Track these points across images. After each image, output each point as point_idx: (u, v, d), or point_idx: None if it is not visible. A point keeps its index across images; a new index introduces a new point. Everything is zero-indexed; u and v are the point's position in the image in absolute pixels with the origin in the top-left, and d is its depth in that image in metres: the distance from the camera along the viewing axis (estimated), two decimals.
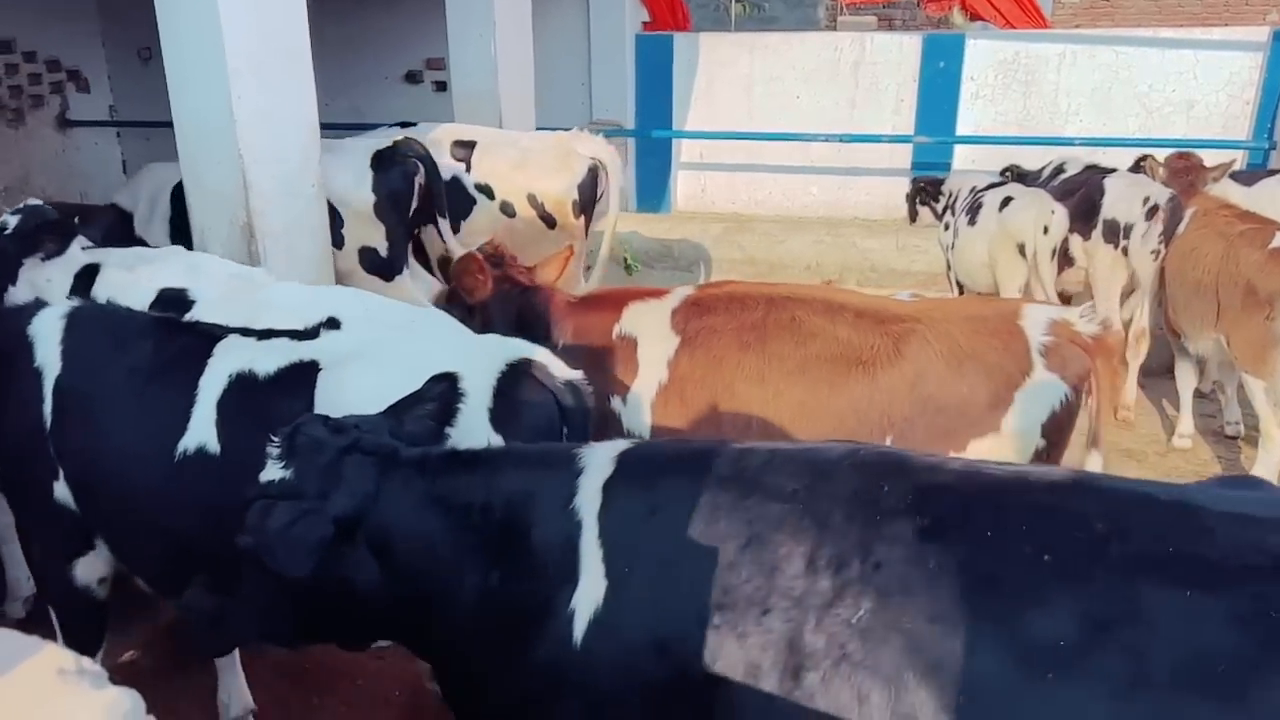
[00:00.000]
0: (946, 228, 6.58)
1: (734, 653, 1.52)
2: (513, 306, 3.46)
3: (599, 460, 1.77)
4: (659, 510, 1.68)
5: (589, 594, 1.64)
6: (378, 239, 5.07)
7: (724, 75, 8.64)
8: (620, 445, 1.83)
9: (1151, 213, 5.32)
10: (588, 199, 5.58)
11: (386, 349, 2.44)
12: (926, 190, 6.90)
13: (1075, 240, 5.74)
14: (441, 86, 8.73)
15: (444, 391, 2.05)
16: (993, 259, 5.94)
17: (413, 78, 9.08)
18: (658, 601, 1.61)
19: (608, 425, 3.16)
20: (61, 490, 2.52)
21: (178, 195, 4.60)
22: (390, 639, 2.00)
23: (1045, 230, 5.61)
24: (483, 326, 3.37)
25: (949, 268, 6.68)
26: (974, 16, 9.12)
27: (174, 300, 3.05)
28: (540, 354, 2.41)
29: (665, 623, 1.59)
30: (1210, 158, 5.89)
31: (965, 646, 1.39)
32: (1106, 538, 1.43)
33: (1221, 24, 11.76)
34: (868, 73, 8.24)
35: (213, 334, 2.55)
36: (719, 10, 12.59)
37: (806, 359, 3.01)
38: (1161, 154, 5.94)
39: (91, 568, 2.63)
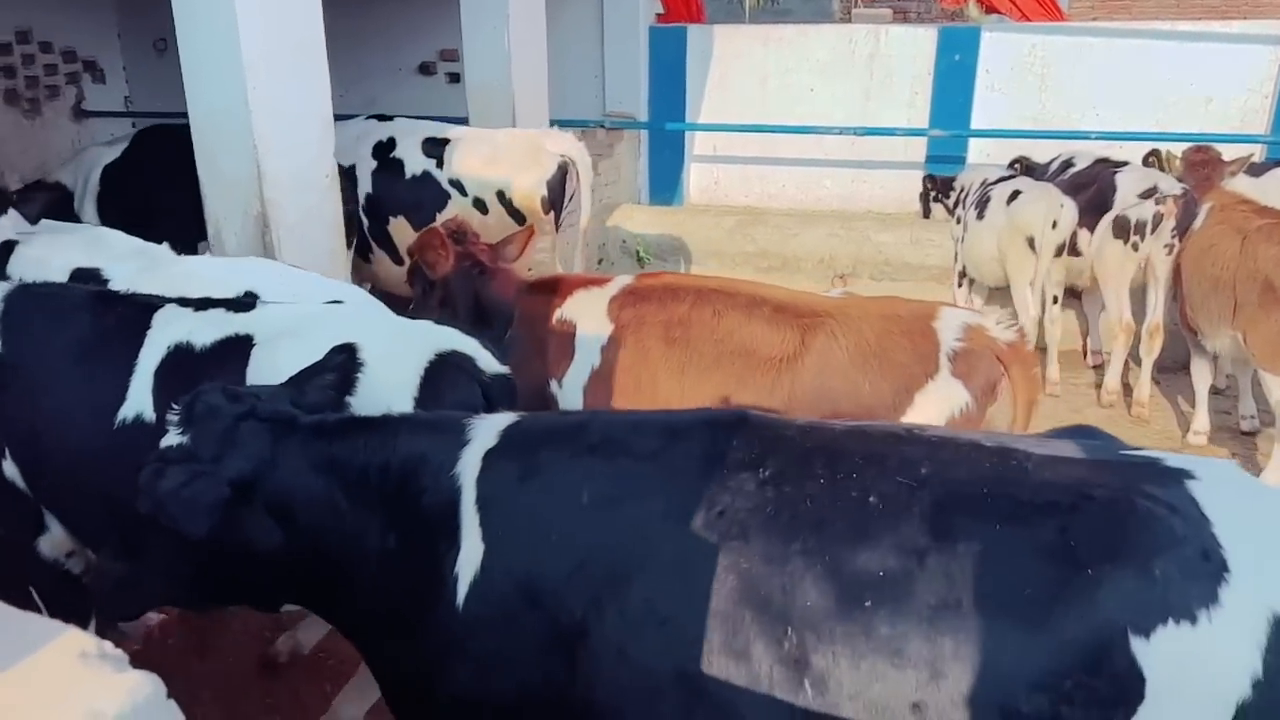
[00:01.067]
0: (958, 221, 6.57)
1: (598, 603, 1.63)
2: (471, 285, 3.51)
3: (485, 431, 1.86)
4: (533, 476, 1.78)
5: (470, 557, 1.74)
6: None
7: (738, 68, 8.61)
8: (508, 418, 1.92)
9: (1158, 200, 5.28)
10: (557, 195, 5.67)
11: (320, 329, 2.44)
12: (938, 187, 6.90)
13: (1082, 234, 5.72)
14: (455, 78, 8.73)
15: (343, 362, 2.13)
16: (1002, 253, 5.93)
17: (426, 69, 9.08)
18: (530, 561, 1.71)
19: (549, 407, 3.26)
20: (10, 469, 2.52)
21: (107, 174, 5.19)
22: (297, 602, 2.05)
23: (1054, 225, 5.60)
24: (441, 303, 3.42)
25: (955, 260, 6.68)
26: (990, 9, 9.07)
27: (87, 279, 3.05)
28: (469, 345, 2.46)
29: (537, 581, 1.69)
30: (1229, 152, 5.85)
31: (794, 582, 1.52)
32: (928, 480, 1.57)
33: (1240, 17, 11.65)
34: (882, 66, 8.20)
35: (151, 304, 2.58)
36: (733, 3, 12.55)
37: (721, 353, 3.09)
38: (1178, 148, 5.91)
39: (54, 544, 2.64)
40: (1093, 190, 5.75)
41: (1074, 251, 5.80)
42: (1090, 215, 5.68)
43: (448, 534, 1.77)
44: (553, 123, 6.75)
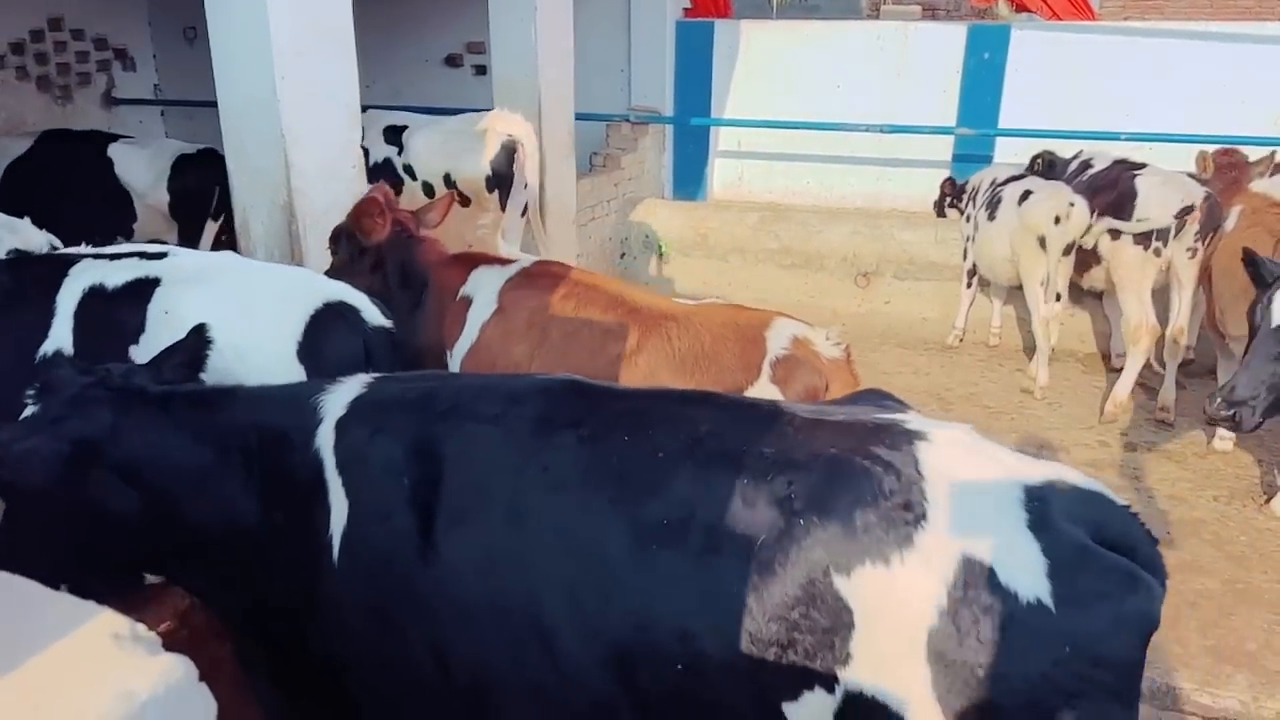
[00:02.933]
0: (968, 220, 6.58)
1: (446, 550, 1.83)
2: (399, 253, 3.60)
3: (332, 404, 2.02)
4: (385, 440, 1.94)
5: (339, 518, 1.90)
6: (170, 236, 5.86)
7: (764, 63, 8.57)
8: (359, 385, 2.07)
9: (1185, 212, 5.23)
10: (503, 176, 5.86)
11: (221, 275, 2.70)
12: (953, 193, 6.89)
13: (1104, 239, 5.65)
14: (481, 71, 8.74)
15: (193, 342, 2.28)
16: (1015, 253, 5.93)
17: (453, 61, 9.10)
18: (386, 520, 1.88)
19: None
20: None
21: (10, 169, 5.78)
22: (161, 573, 2.16)
23: (1057, 221, 5.57)
24: (371, 269, 3.51)
25: (965, 258, 6.68)
26: (1020, 8, 8.97)
27: None
28: (357, 298, 2.59)
29: (394, 537, 1.87)
30: (1259, 155, 5.78)
31: (598, 529, 1.76)
32: (704, 439, 1.80)
33: (1275, 18, 11.50)
34: (910, 63, 8.15)
35: (68, 258, 2.82)
36: None
37: (569, 345, 3.27)
38: (1209, 149, 5.84)
39: None
40: (1114, 195, 5.68)
41: (1094, 256, 5.74)
42: (1110, 218, 5.61)
43: (317, 497, 1.92)
44: (578, 116, 6.74)
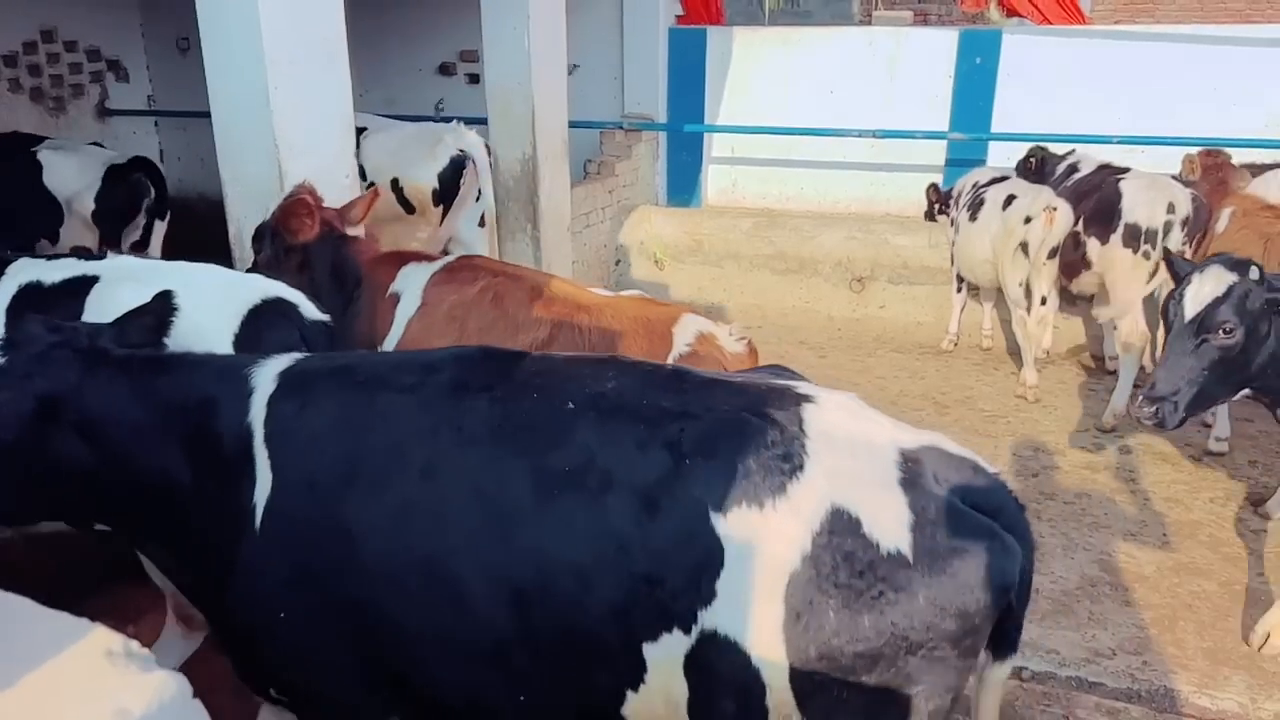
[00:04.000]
0: (951, 223, 6.62)
1: (365, 512, 1.93)
2: (330, 252, 3.63)
3: (265, 376, 2.11)
4: (309, 412, 2.05)
5: (263, 487, 2.00)
6: (91, 242, 5.96)
7: (757, 69, 8.59)
8: (285, 362, 2.16)
9: (1184, 224, 5.27)
10: (448, 189, 5.98)
11: (158, 274, 2.74)
12: (940, 199, 6.94)
13: (1092, 244, 5.66)
14: (474, 79, 8.76)
15: (159, 306, 2.35)
16: (997, 256, 5.95)
17: (446, 70, 9.11)
18: (309, 484, 1.98)
19: None
20: None
21: None
22: (107, 524, 2.23)
23: (1027, 220, 5.62)
24: (298, 268, 3.54)
25: (952, 263, 6.71)
26: (1011, 12, 8.99)
27: None
28: (294, 295, 2.66)
29: (315, 500, 1.97)
30: (1254, 157, 5.80)
31: (504, 479, 1.87)
32: (608, 393, 1.92)
33: (1265, 21, 11.56)
34: (902, 68, 8.17)
35: (5, 259, 2.94)
36: (753, 4, 12.52)
37: (485, 339, 3.31)
38: (1194, 151, 5.86)
39: None
40: (1096, 198, 5.70)
41: (1083, 261, 5.76)
42: (1097, 224, 5.63)
43: (245, 471, 2.02)
44: (572, 124, 6.75)
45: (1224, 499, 4.73)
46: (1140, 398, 3.45)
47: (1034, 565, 1.87)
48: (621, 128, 8.41)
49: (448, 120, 6.45)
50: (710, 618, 1.73)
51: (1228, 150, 5.82)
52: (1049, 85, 7.74)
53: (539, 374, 2.03)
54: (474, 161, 5.94)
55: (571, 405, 1.91)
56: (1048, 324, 6.11)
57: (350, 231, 3.71)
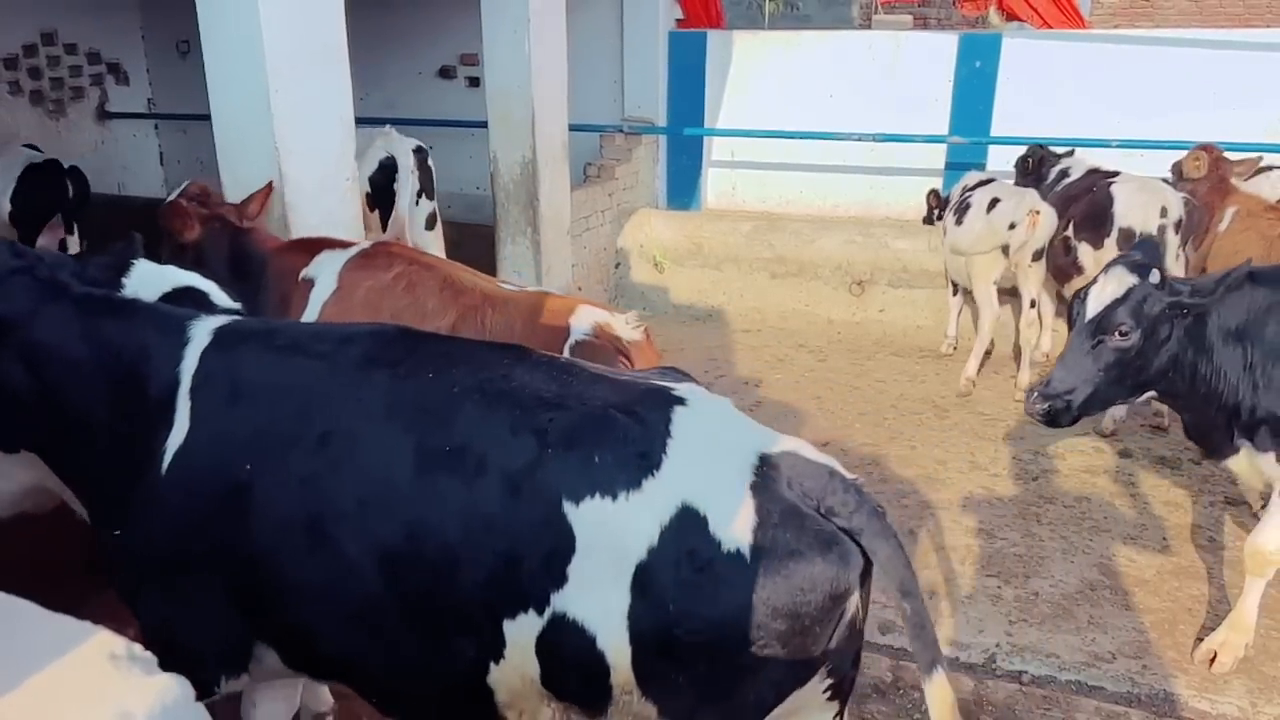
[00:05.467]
0: (943, 228, 6.68)
1: (261, 471, 2.02)
2: (224, 244, 3.73)
3: (202, 330, 2.21)
4: (231, 369, 2.14)
5: (177, 436, 2.09)
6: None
7: (757, 73, 8.60)
8: (220, 321, 2.25)
9: (1177, 227, 5.28)
10: (381, 193, 6.07)
11: None
12: (936, 205, 6.97)
13: (1084, 249, 5.67)
14: (475, 82, 8.76)
15: (123, 248, 2.48)
16: (977, 258, 6.02)
17: (446, 73, 9.12)
18: (219, 436, 2.07)
19: None
20: None
21: None
22: (34, 449, 2.29)
23: (1011, 226, 5.67)
24: (194, 264, 3.58)
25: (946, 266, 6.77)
26: (1011, 16, 9.01)
27: None
28: (205, 284, 2.72)
29: (220, 452, 2.06)
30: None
31: (390, 453, 1.96)
32: (495, 379, 2.01)
33: (1264, 25, 11.57)
34: (902, 72, 8.17)
35: None
36: (753, 8, 12.54)
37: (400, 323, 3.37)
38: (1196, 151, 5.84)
39: None
40: (1087, 203, 5.70)
41: (1075, 266, 5.77)
42: (1089, 228, 5.64)
43: (164, 416, 2.11)
44: (572, 127, 6.76)
45: (1224, 503, 4.73)
46: (1035, 394, 3.46)
47: (910, 567, 1.93)
48: (621, 131, 8.42)
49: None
50: (561, 601, 1.83)
51: (1217, 148, 5.81)
52: (1048, 89, 7.74)
53: (440, 355, 2.12)
54: (398, 164, 6.03)
55: (459, 388, 2.00)
56: (1038, 327, 6.14)
57: (246, 224, 3.82)
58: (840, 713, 2.10)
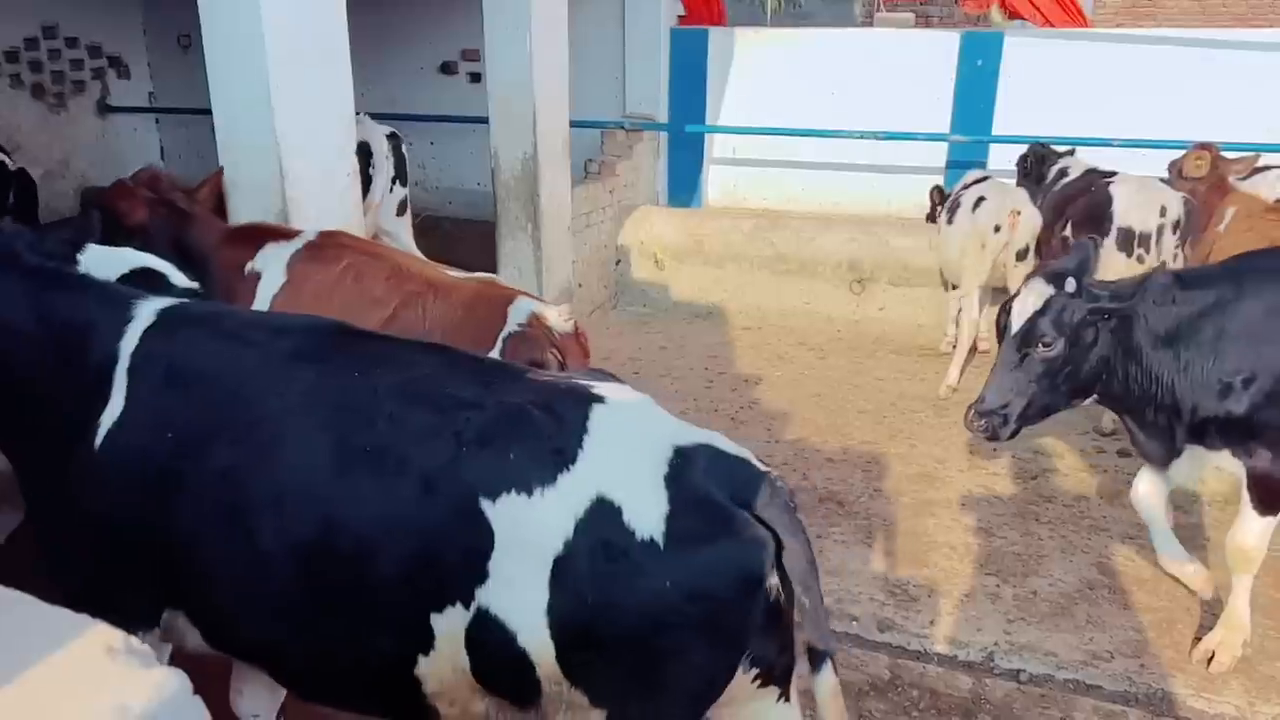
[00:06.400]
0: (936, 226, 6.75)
1: (187, 456, 2.05)
2: (170, 231, 3.72)
3: (146, 310, 2.25)
4: (171, 352, 2.18)
5: (112, 412, 2.13)
6: None
7: (759, 71, 8.59)
8: (165, 302, 2.30)
9: (1176, 227, 5.29)
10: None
11: None
12: (939, 202, 7.00)
13: None
14: (476, 78, 8.75)
15: (82, 222, 2.54)
16: (961, 254, 6.05)
17: (448, 69, 9.11)
18: (151, 417, 2.11)
19: None
20: None
21: None
22: None
23: (996, 229, 5.72)
24: (142, 248, 3.58)
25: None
26: (1013, 15, 9.00)
27: None
28: (162, 265, 2.75)
29: (150, 433, 2.09)
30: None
31: (309, 449, 1.99)
32: (418, 380, 2.06)
33: (1266, 25, 11.56)
34: (904, 70, 8.17)
35: None
36: (754, 5, 12.52)
37: (343, 313, 3.38)
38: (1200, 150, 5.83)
39: None
40: (1084, 203, 5.70)
41: None
42: (1087, 228, 5.63)
43: (102, 391, 2.14)
44: (573, 123, 6.75)
45: (1222, 502, 4.73)
46: (971, 412, 3.51)
47: (814, 560, 1.98)
48: (623, 128, 8.41)
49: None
50: (484, 596, 1.86)
51: (1215, 146, 5.80)
52: (1050, 88, 7.74)
53: (369, 354, 2.16)
54: (371, 150, 6.05)
55: (382, 388, 2.04)
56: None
57: (195, 211, 3.84)
58: (784, 697, 2.16)
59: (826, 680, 2.03)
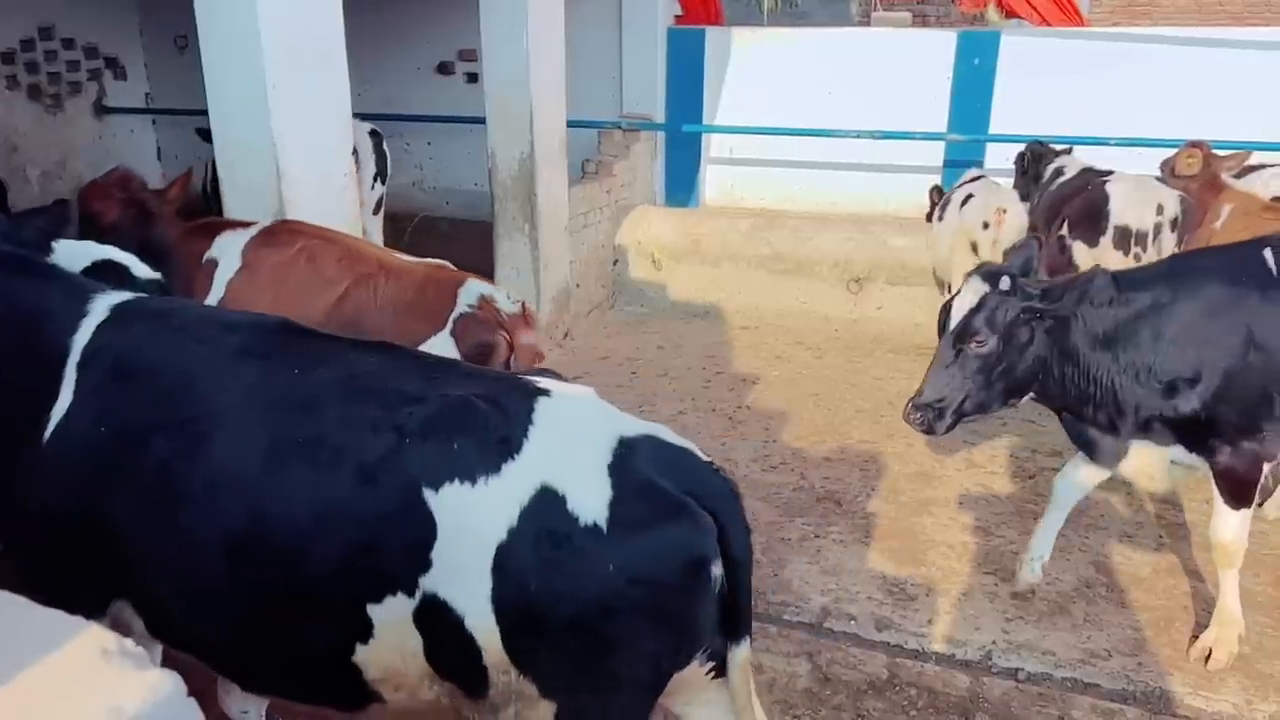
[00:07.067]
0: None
1: (129, 450, 2.06)
2: (139, 230, 3.81)
3: (102, 305, 2.25)
4: (121, 347, 2.18)
5: (61, 406, 2.13)
6: None
7: (755, 70, 8.59)
8: (122, 296, 2.30)
9: (1173, 224, 5.30)
10: None
11: None
12: (938, 202, 7.01)
13: (1079, 247, 5.69)
14: (473, 78, 8.75)
15: (58, 211, 2.52)
16: (951, 251, 6.08)
17: (445, 69, 9.10)
18: (97, 412, 2.12)
19: None
20: None
21: None
22: None
23: (985, 226, 5.74)
24: (113, 244, 3.66)
25: None
26: (1009, 14, 9.01)
27: None
28: (125, 257, 2.78)
29: (100, 426, 2.10)
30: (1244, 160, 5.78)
31: (244, 442, 2.00)
32: (360, 376, 2.07)
33: (1263, 23, 11.57)
34: (901, 69, 8.17)
35: None
36: (751, 5, 12.52)
37: (298, 294, 3.54)
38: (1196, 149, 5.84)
39: None
40: (1081, 201, 5.71)
41: (1070, 265, 5.79)
42: (1084, 227, 5.65)
43: (52, 383, 2.15)
44: (570, 123, 6.75)
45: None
46: (909, 405, 3.57)
47: (751, 549, 2.02)
48: (620, 128, 8.41)
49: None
50: (429, 584, 1.87)
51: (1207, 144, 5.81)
52: (1047, 87, 7.74)
53: (310, 352, 2.18)
54: (356, 152, 6.13)
55: (324, 385, 2.07)
56: None
57: (162, 210, 3.92)
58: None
59: (744, 651, 2.06)
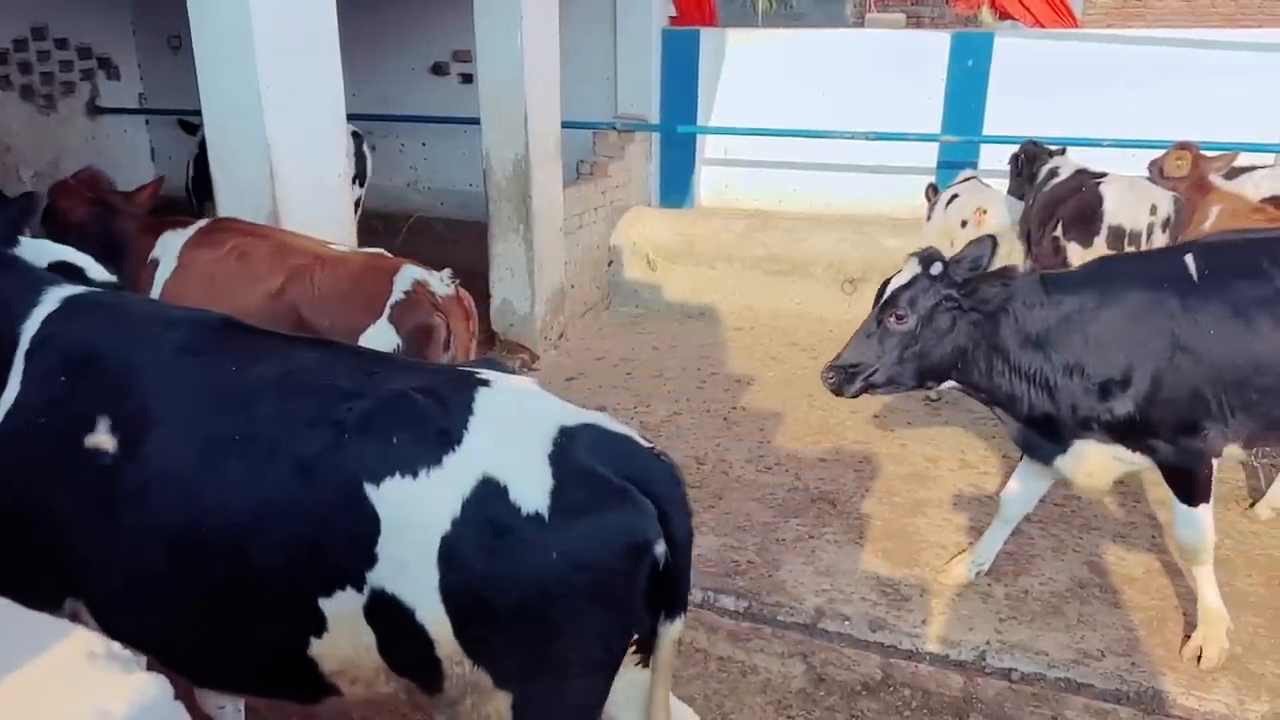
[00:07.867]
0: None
1: (67, 445, 2.06)
2: (104, 228, 3.92)
3: (53, 296, 2.27)
4: (66, 339, 2.19)
5: (8, 396, 2.15)
6: None
7: (750, 71, 8.60)
8: (74, 290, 2.32)
9: (1165, 225, 5.32)
10: None
11: None
12: (934, 201, 7.03)
13: (1073, 248, 5.70)
14: (467, 79, 8.74)
15: (24, 204, 2.58)
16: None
17: (439, 69, 9.10)
18: (39, 405, 2.13)
19: None
20: None
21: None
22: None
23: (964, 225, 5.81)
24: (78, 243, 3.69)
25: None
26: (1003, 15, 9.03)
27: None
28: (80, 258, 2.79)
29: (43, 419, 2.11)
30: (1243, 161, 5.80)
31: (179, 437, 2.01)
32: (295, 373, 2.09)
33: (1255, 25, 11.61)
34: (895, 70, 8.18)
35: None
36: (746, 6, 12.53)
37: (232, 290, 3.59)
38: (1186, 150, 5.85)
39: None
40: (1075, 202, 5.73)
41: (1064, 265, 5.80)
42: (1078, 228, 5.66)
43: (2, 371, 2.16)
44: (565, 124, 6.75)
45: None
46: (826, 366, 3.69)
47: (691, 531, 2.05)
48: (614, 128, 8.40)
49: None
50: (376, 578, 1.88)
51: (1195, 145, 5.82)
52: (1041, 88, 7.75)
53: (247, 349, 2.19)
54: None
55: (258, 381, 2.08)
56: None
57: (127, 209, 4.00)
58: (644, 664, 2.20)
59: (676, 628, 2.08)
